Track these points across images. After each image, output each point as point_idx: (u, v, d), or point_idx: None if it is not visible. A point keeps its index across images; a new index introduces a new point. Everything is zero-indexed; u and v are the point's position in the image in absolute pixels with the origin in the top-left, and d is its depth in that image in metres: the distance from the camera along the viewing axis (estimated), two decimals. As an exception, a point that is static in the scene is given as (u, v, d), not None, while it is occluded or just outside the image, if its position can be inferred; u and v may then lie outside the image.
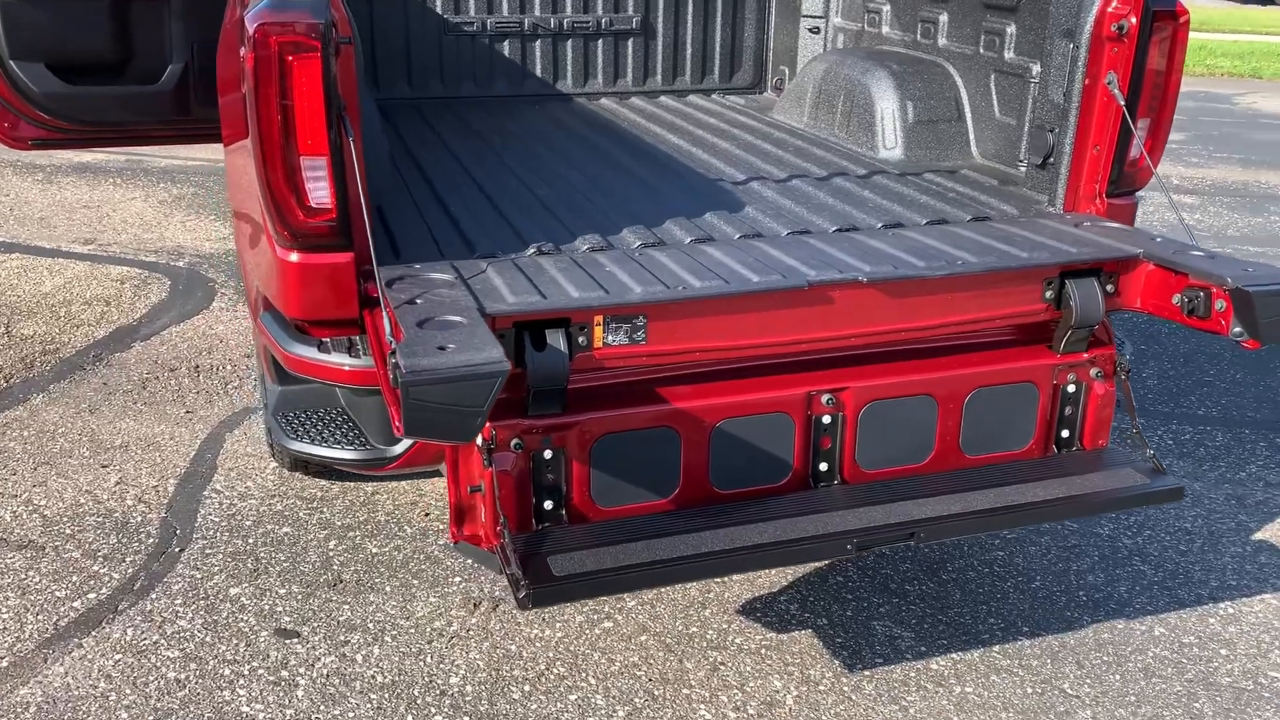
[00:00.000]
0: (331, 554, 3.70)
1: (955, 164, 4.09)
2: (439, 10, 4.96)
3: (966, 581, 3.66)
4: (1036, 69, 3.78)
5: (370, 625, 3.35)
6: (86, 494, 4.02)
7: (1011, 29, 3.91)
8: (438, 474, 3.52)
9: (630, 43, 5.26)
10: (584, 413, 2.63)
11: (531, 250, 2.94)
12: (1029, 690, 3.17)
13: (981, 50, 4.08)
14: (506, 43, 5.09)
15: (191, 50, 4.61)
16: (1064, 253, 2.92)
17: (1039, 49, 3.75)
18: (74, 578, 3.54)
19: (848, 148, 4.27)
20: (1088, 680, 3.21)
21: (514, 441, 2.55)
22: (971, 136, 4.18)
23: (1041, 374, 2.99)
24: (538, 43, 5.13)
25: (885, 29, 4.71)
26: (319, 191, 2.63)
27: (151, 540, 3.75)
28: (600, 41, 5.22)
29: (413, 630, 3.33)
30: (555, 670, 3.18)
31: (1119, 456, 3.02)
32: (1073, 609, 3.53)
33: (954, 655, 3.30)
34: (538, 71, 5.19)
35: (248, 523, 3.87)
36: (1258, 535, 3.97)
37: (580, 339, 2.58)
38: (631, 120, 4.78)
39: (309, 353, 2.76)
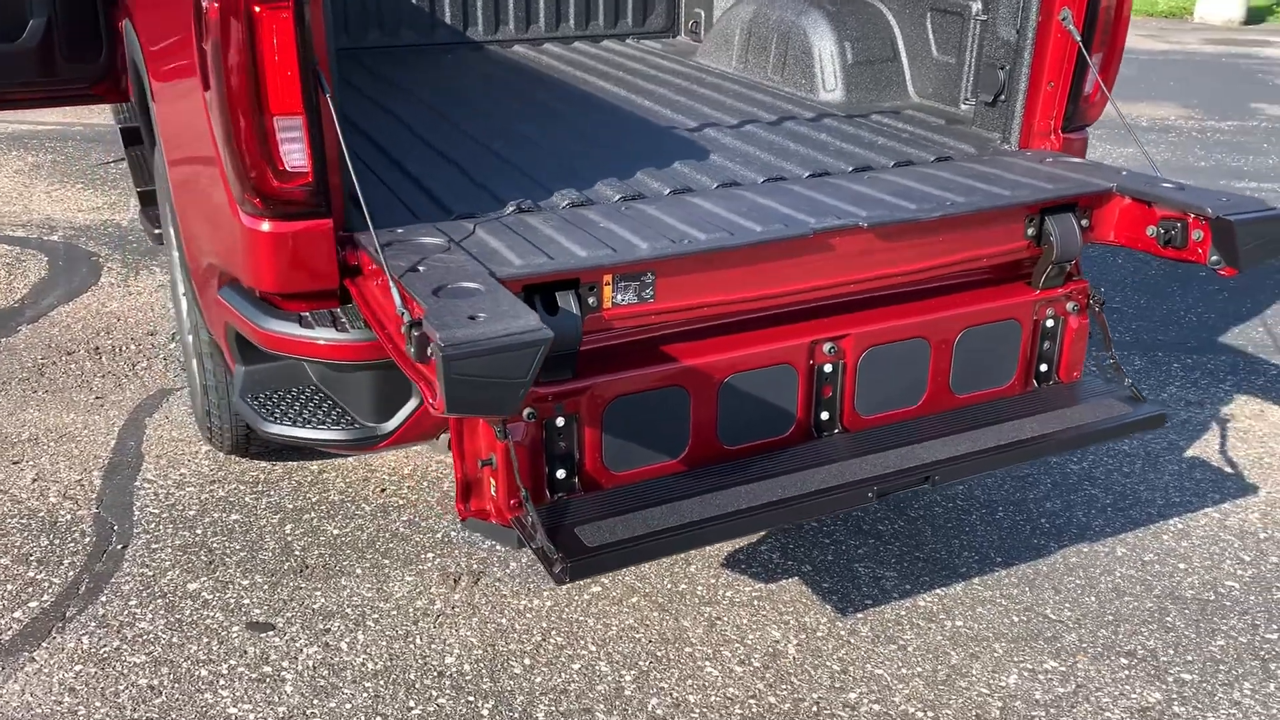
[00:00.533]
0: (290, 539, 3.50)
1: (895, 104, 4.10)
2: (340, -44, 4.67)
3: (934, 518, 3.72)
4: (977, 7, 3.79)
5: (349, 611, 3.19)
6: (2, 494, 3.69)
7: (947, -34, 3.91)
8: (429, 447, 3.37)
9: None
10: (595, 376, 2.53)
11: (511, 209, 2.80)
12: (1014, 619, 3.25)
13: (916, -11, 4.07)
14: None
15: (54, 3, 4.22)
16: (1043, 189, 2.95)
17: (982, -14, 3.76)
18: (8, 587, 3.25)
19: (786, 91, 4.23)
20: (1066, 605, 3.32)
21: (526, 411, 2.43)
22: (908, 76, 4.19)
23: (1024, 311, 3.03)
24: None
25: (809, -31, 4.66)
26: (294, 154, 2.44)
27: (88, 539, 3.47)
28: None
29: (395, 613, 3.19)
30: (553, 640, 3.09)
31: (1098, 387, 3.10)
32: (1038, 536, 3.64)
33: (938, 591, 3.36)
34: (447, 19, 4.96)
35: (191, 512, 3.62)
36: (1190, 453, 4.17)
37: (590, 299, 2.47)
38: (558, 69, 4.62)
39: (289, 329, 2.56)
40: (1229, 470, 4.05)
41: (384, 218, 2.72)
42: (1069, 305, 3.09)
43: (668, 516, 2.44)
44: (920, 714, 2.88)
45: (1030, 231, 2.98)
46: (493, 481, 2.49)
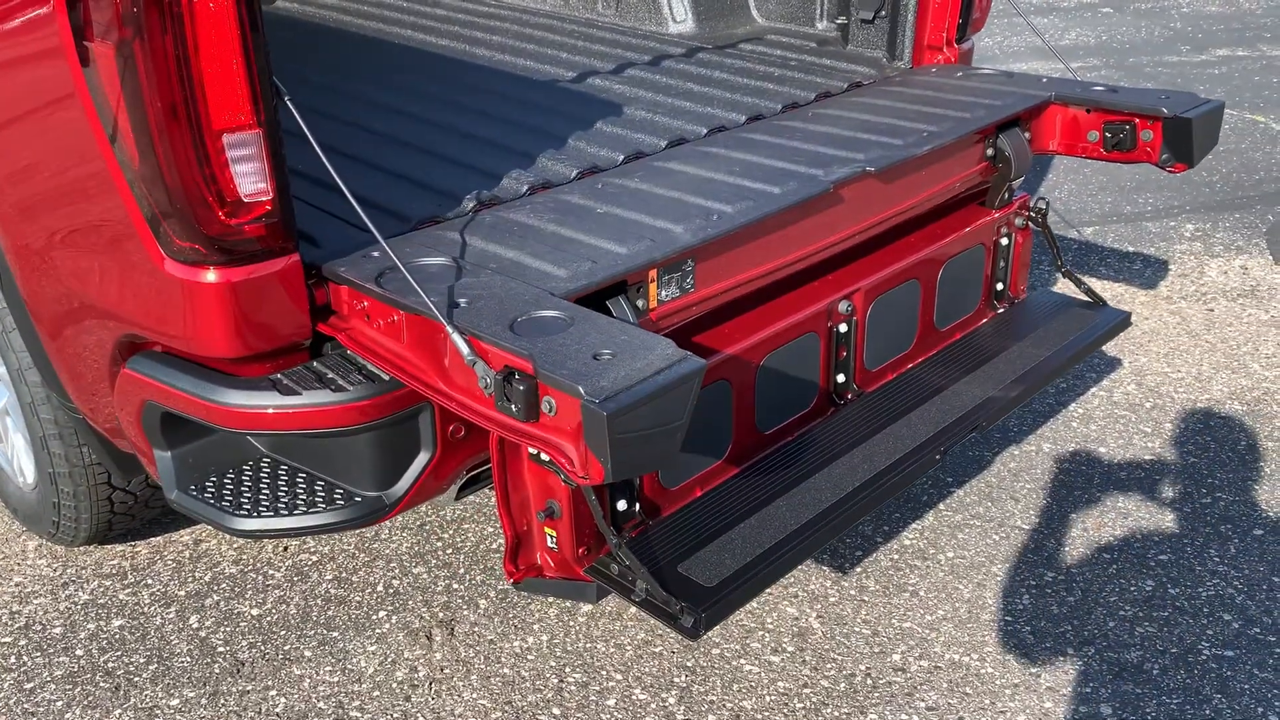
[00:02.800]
0: (203, 634, 2.89)
1: (748, 29, 3.89)
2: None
3: (872, 450, 3.67)
4: (829, -80, 3.64)
5: (323, 706, 2.68)
6: None
7: (786, -120, 3.72)
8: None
9: None
10: (646, 387, 2.18)
11: (472, 203, 2.35)
12: (996, 538, 3.27)
13: (749, -95, 3.85)
14: None
15: None
16: (996, 108, 2.87)
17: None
18: None
19: (632, 26, 3.90)
20: (1031, 511, 3.38)
21: None
22: (751, 1, 3.98)
23: (986, 234, 2.97)
24: None
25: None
26: (250, 178, 1.89)
27: (-67, 699, 2.70)
28: None
29: (377, 694, 2.71)
30: (572, 679, 2.75)
31: (1053, 299, 3.11)
32: (973, 448, 3.68)
33: (914, 526, 3.31)
34: None
35: (57, 630, 2.90)
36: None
37: (639, 302, 2.11)
38: (355, 22, 4.01)
39: (266, 399, 2.01)
40: (1089, 348, 4.29)
41: (328, 236, 2.20)
42: (1018, 221, 3.07)
43: (764, 530, 2.18)
44: (970, 660, 2.82)
45: (989, 152, 2.90)
46: (551, 531, 2.11)
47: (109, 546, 3.19)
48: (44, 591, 3.03)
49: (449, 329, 1.77)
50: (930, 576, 3.11)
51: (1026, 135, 2.98)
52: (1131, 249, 5.13)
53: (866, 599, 3.02)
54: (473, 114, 2.96)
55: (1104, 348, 4.26)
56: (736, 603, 2.04)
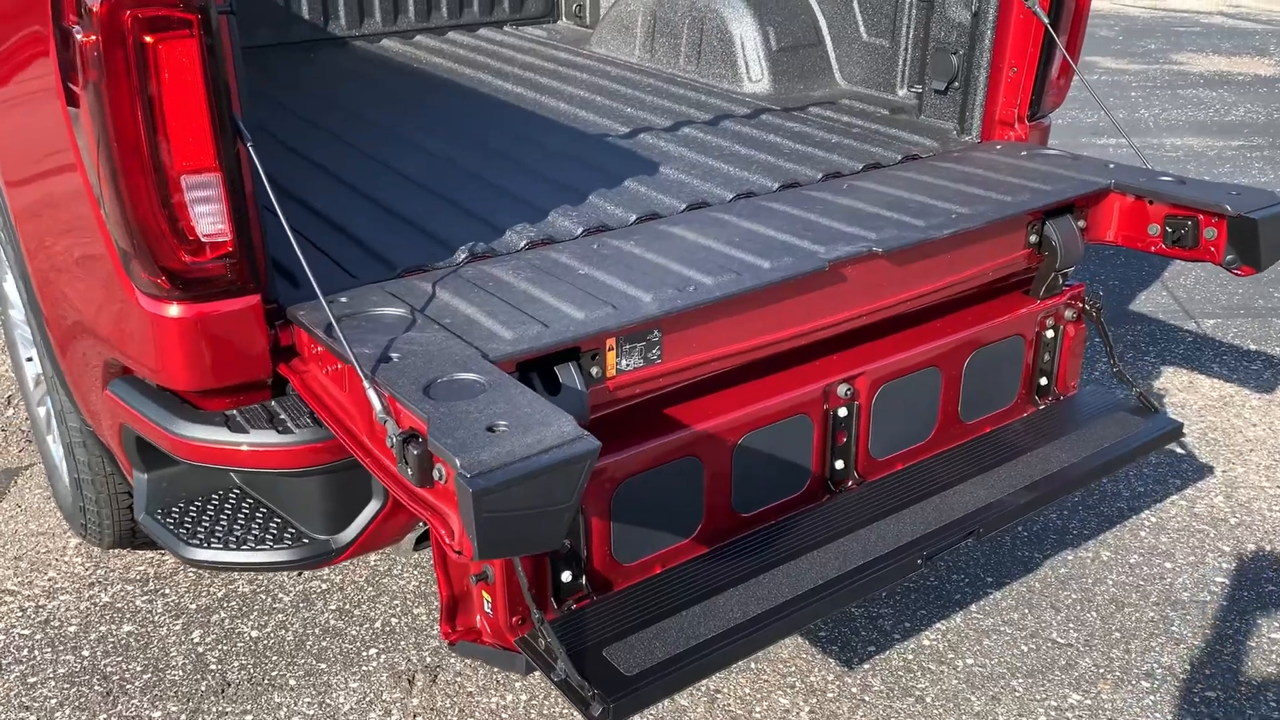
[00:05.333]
0: (201, 650, 2.96)
1: (826, 92, 3.80)
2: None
3: (912, 538, 3.47)
4: (913, -16, 3.52)
5: (292, 737, 2.70)
6: None
7: (876, -59, 3.62)
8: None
9: None
10: (601, 457, 2.12)
11: (463, 255, 2.35)
12: (1024, 649, 3.04)
13: (839, -34, 3.77)
14: None
15: None
16: (1043, 192, 2.70)
17: (921, -37, 3.49)
18: None
19: (706, 83, 3.87)
20: (1070, 624, 3.13)
21: None
22: (834, 62, 3.89)
23: (1027, 324, 2.78)
24: None
25: (709, -54, 4.29)
26: (209, 220, 1.92)
27: (-56, 682, 2.85)
28: None
29: (348, 731, 2.71)
30: (543, 743, 2.69)
31: (1102, 399, 2.89)
32: (1021, 548, 3.44)
33: (939, 625, 3.11)
34: (304, 13, 4.36)
35: (72, 629, 3.03)
36: (1140, 436, 4.07)
37: (594, 369, 2.06)
38: (442, 67, 4.11)
39: (215, 435, 2.05)
40: (1180, 450, 3.97)
41: (308, 277, 2.23)
42: (1067, 313, 2.86)
43: (705, 621, 2.08)
44: (962, 780, 2.62)
45: (1032, 238, 2.72)
46: (487, 596, 2.06)
47: (140, 552, 3.31)
48: (71, 589, 3.17)
49: (366, 383, 1.76)
50: (942, 683, 2.91)
51: (1080, 223, 2.79)
52: (1254, 347, 4.75)
53: (868, 699, 2.85)
54: (508, 164, 2.97)
55: (1196, 453, 3.94)
56: (652, 697, 1.94)
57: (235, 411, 2.09)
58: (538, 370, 1.98)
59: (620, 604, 2.12)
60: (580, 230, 2.51)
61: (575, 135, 3.27)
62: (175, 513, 2.25)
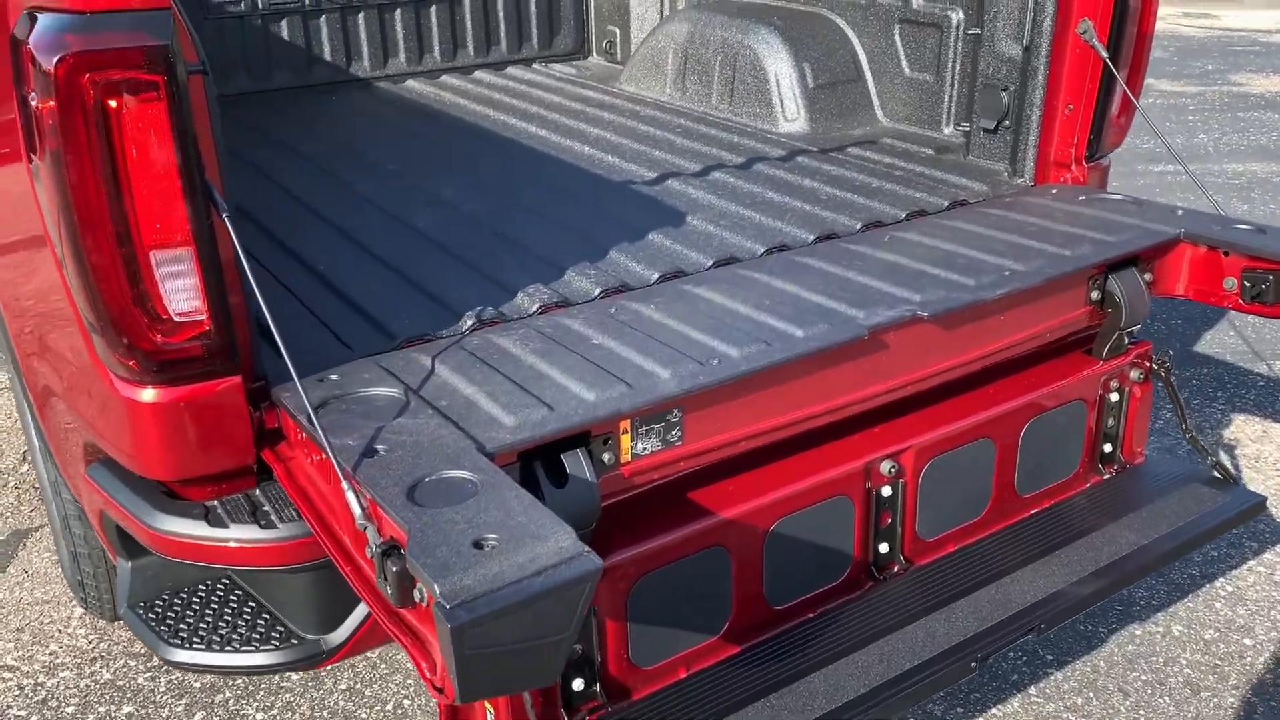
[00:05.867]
0: (203, 735, 2.78)
1: (866, 130, 3.59)
2: (193, -12, 3.90)
3: (965, 609, 3.22)
4: (958, 18, 3.30)
5: (292, 836, 2.50)
6: None
7: (919, -28, 3.41)
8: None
9: (433, 10, 4.39)
10: (616, 551, 1.92)
11: (470, 321, 2.16)
12: (1090, 739, 2.77)
13: (880, -2, 3.56)
14: (285, 23, 4.10)
15: None
16: (1106, 244, 2.46)
17: (967, -6, 3.28)
18: None
19: (739, 123, 3.67)
20: (1141, 711, 2.85)
21: None
22: (875, 98, 3.68)
23: (1089, 388, 2.54)
24: (323, 19, 4.17)
25: (742, -22, 4.11)
26: (183, 296, 1.76)
27: (-67, 769, 2.69)
28: (398, 12, 4.33)
29: (352, 830, 2.52)
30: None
31: (1176, 467, 2.64)
32: (1084, 621, 3.17)
33: (994, 711, 2.86)
34: (326, 54, 4.24)
35: (70, 709, 2.86)
36: (1211, 493, 3.78)
37: (606, 456, 1.86)
38: (466, 109, 3.96)
39: (194, 529, 1.87)
40: (1256, 510, 3.68)
41: (303, 352, 2.06)
42: (1133, 373, 2.62)
43: (735, 735, 1.86)
44: None
45: (1094, 295, 2.48)
46: (490, 707, 1.86)
47: (145, 624, 3.15)
48: (72, 665, 3.02)
49: (344, 485, 1.58)
50: (1000, 778, 2.66)
51: (1147, 277, 2.55)
52: (1333, 393, 4.44)
53: (917, 796, 2.61)
54: (526, 215, 2.79)
55: (1275, 513, 3.65)
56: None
57: (216, 502, 1.91)
58: (542, 459, 1.78)
59: (640, 714, 1.91)
60: (598, 291, 2.31)
61: (599, 182, 3.08)
62: (159, 607, 2.07)
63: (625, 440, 1.87)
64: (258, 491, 1.95)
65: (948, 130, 3.43)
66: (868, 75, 3.67)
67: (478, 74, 4.48)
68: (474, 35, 4.51)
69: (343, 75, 4.29)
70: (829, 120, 3.60)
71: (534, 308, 2.24)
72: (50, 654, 3.06)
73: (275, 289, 2.35)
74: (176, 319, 1.77)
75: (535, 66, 4.62)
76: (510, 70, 4.54)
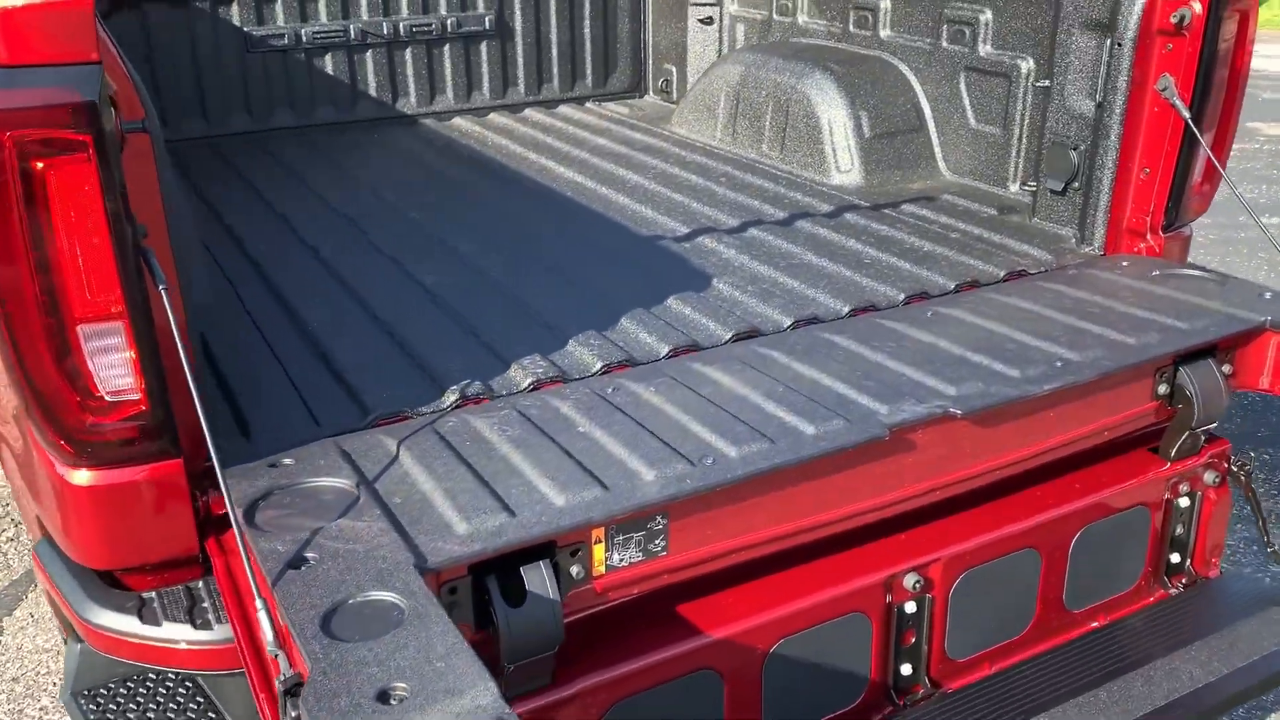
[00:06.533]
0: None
1: (926, 184, 3.33)
2: (237, 22, 3.82)
3: None
4: (1028, 67, 3.04)
5: None
6: None
7: (987, 16, 3.15)
8: None
9: (484, 47, 4.26)
10: (585, 674, 1.70)
11: (454, 397, 1.97)
12: None
13: (945, 43, 3.31)
14: (329, 57, 4.00)
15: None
16: (1176, 332, 2.18)
17: (1035, 42, 3.01)
18: None
19: (789, 172, 3.44)
20: None
21: None
22: (938, 150, 3.42)
23: (1154, 492, 2.25)
24: (369, 54, 4.06)
25: (802, 18, 3.89)
26: (115, 374, 1.60)
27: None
28: (447, 48, 4.20)
29: None
30: None
31: (1256, 586, 2.32)
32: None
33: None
34: (371, 90, 4.12)
35: (48, 774, 2.74)
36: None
37: (574, 569, 1.64)
38: (506, 150, 3.80)
39: (124, 624, 1.71)
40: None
41: (273, 423, 1.89)
42: (1208, 476, 2.31)
43: None
44: None
45: (1161, 389, 2.19)
46: None
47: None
48: (58, 723, 2.90)
49: (258, 603, 1.39)
50: None
51: (1226, 369, 2.25)
52: None
53: None
54: (541, 271, 2.61)
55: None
56: None
57: (154, 595, 1.75)
58: (499, 572, 1.58)
59: None
60: (599, 366, 2.11)
61: (627, 235, 2.88)
62: (101, 698, 1.91)
63: (598, 551, 1.66)
64: (202, 584, 1.78)
65: (1014, 188, 3.16)
66: (930, 126, 3.42)
67: (528, 112, 4.33)
68: (525, 72, 4.36)
69: (388, 112, 4.17)
70: (885, 172, 3.35)
71: (526, 383, 2.04)
72: (40, 708, 2.95)
73: (258, 351, 2.19)
74: (108, 398, 1.61)
75: (588, 105, 4.46)
76: (562, 109, 4.38)
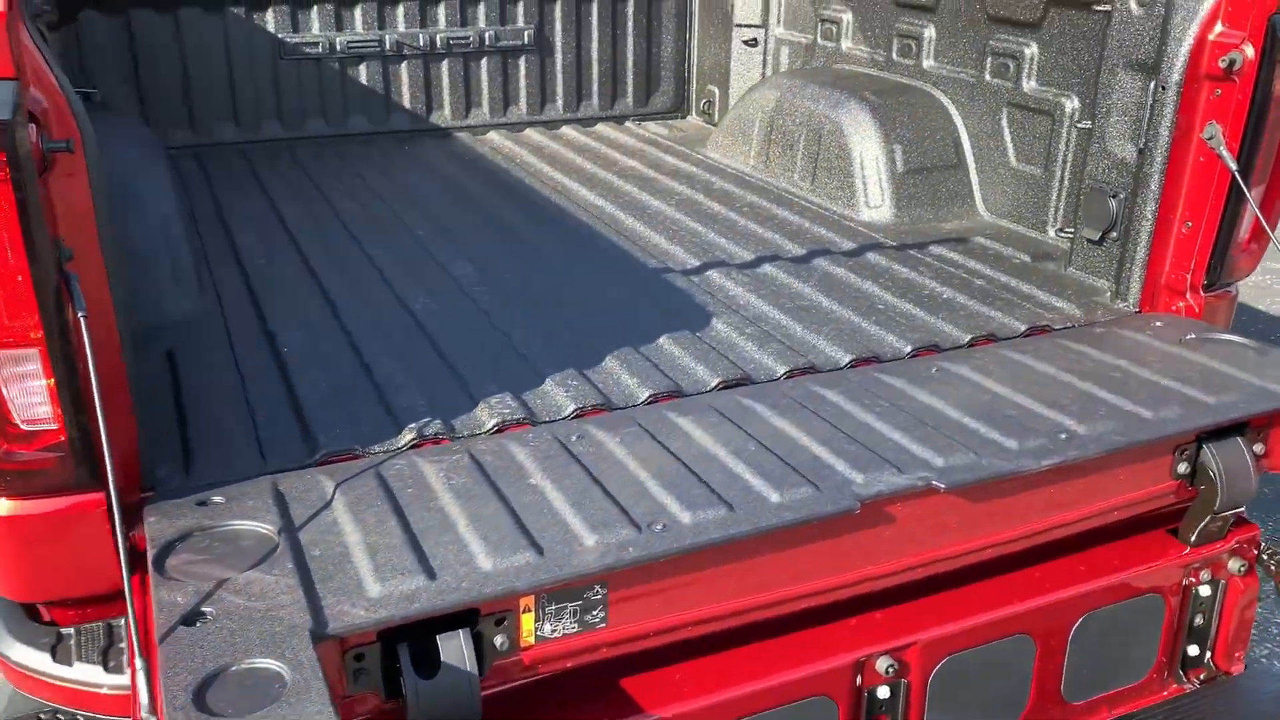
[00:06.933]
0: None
1: (960, 224, 3.15)
2: (271, 28, 3.79)
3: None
4: (1073, 106, 2.86)
5: None
6: None
7: (1032, 50, 2.98)
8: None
9: (522, 61, 4.17)
10: (510, 750, 1.58)
11: (410, 436, 1.87)
12: None
13: (988, 76, 3.14)
14: (364, 67, 3.95)
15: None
16: (1200, 406, 1.99)
17: (1081, 80, 2.83)
18: None
19: (818, 204, 3.29)
20: None
21: None
22: (976, 188, 3.25)
23: (1171, 578, 2.06)
24: (404, 65, 4.00)
25: (846, 44, 3.73)
26: (32, 402, 1.52)
27: None
28: (484, 61, 4.12)
29: None
30: None
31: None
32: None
33: None
34: (405, 101, 4.07)
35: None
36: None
37: (498, 639, 1.53)
38: (530, 165, 3.71)
39: (35, 660, 1.64)
40: None
41: (218, 455, 1.81)
42: (1233, 564, 2.12)
43: None
44: None
45: (1181, 468, 2.01)
46: None
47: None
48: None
49: (138, 665, 1.30)
50: None
51: (1257, 448, 2.05)
52: None
53: None
54: (537, 302, 2.50)
55: None
56: None
57: (71, 632, 1.67)
58: (412, 640, 1.46)
59: None
60: (571, 409, 1.99)
61: (634, 266, 2.77)
62: (29, 729, 1.85)
63: (527, 621, 1.54)
64: (125, 621, 1.70)
65: (1052, 233, 2.97)
66: (970, 162, 3.25)
67: (565, 129, 4.23)
68: (564, 89, 4.26)
69: (421, 124, 4.11)
70: (918, 210, 3.18)
71: (490, 424, 1.94)
72: None
73: (224, 374, 2.12)
74: (25, 426, 1.54)
75: (628, 125, 4.35)
76: (599, 127, 4.28)
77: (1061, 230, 2.93)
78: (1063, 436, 1.88)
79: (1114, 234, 2.62)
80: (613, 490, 1.70)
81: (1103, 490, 1.94)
